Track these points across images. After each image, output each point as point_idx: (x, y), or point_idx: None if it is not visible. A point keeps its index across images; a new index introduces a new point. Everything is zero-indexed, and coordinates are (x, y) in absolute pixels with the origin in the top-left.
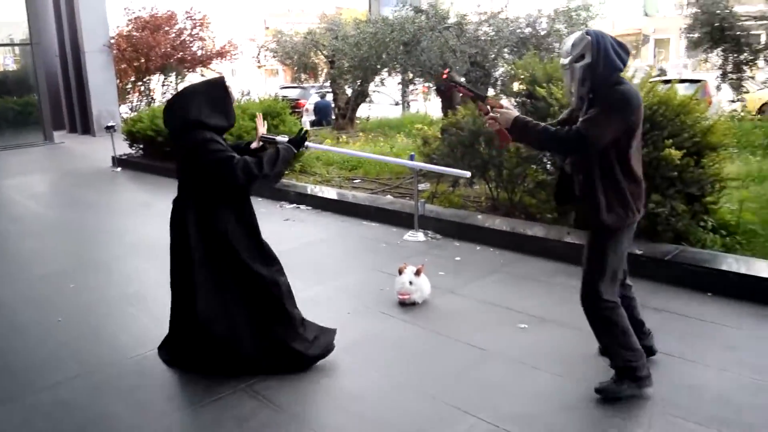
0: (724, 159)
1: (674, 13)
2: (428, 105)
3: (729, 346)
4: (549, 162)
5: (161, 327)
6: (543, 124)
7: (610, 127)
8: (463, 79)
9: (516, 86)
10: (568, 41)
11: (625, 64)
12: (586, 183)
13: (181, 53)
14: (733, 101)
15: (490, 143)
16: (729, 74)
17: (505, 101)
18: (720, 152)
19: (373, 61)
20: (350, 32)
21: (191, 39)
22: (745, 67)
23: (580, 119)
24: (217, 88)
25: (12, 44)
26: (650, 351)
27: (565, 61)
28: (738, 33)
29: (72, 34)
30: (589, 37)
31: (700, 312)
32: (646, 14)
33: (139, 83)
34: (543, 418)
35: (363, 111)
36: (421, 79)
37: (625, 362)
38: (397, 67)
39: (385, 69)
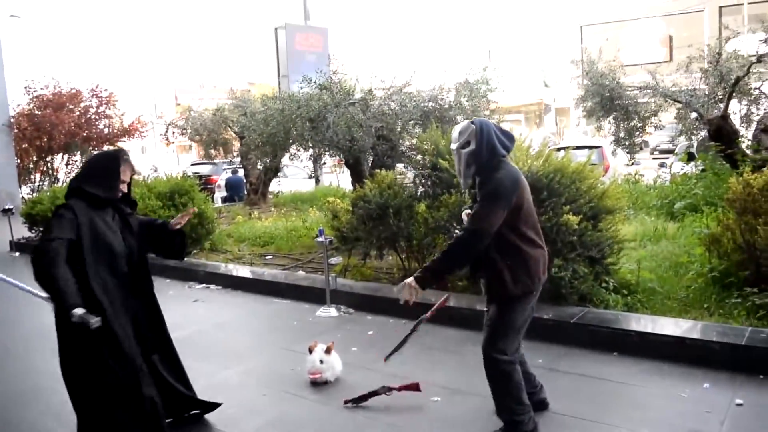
0: (621, 221)
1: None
2: (341, 178)
3: (636, 405)
4: (457, 231)
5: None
6: (436, 256)
7: (495, 215)
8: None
9: (420, 158)
10: (456, 128)
11: (508, 150)
12: (489, 261)
13: (86, 131)
14: (628, 164)
15: (398, 215)
16: (621, 140)
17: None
18: (616, 215)
19: (281, 137)
20: (258, 108)
21: (97, 117)
22: (636, 133)
23: (469, 215)
24: (108, 159)
25: None
26: (543, 404)
27: (453, 146)
28: (626, 102)
29: None
30: (474, 126)
31: (607, 372)
32: (546, 85)
33: (42, 163)
34: None
35: (289, 185)
36: (329, 153)
37: (514, 416)
38: (305, 143)
39: (294, 145)
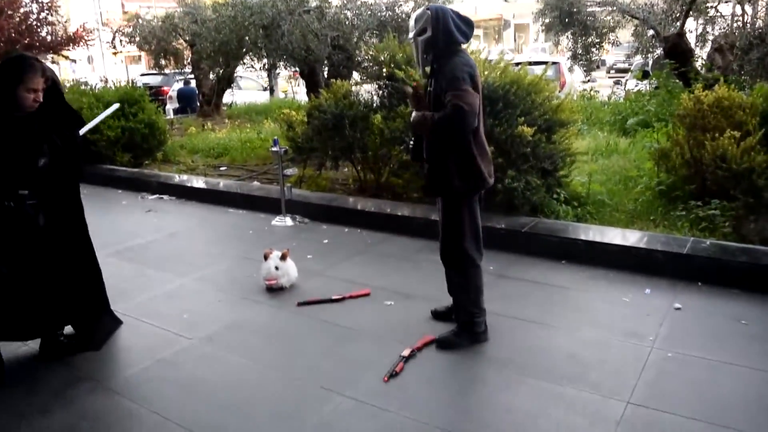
0: (574, 135)
1: None
2: (297, 89)
3: (580, 309)
4: (412, 142)
5: None
6: (432, 115)
7: (468, 93)
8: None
9: (376, 69)
10: (413, 16)
11: (467, 38)
12: (437, 152)
13: (27, 39)
14: (584, 81)
15: (353, 125)
16: (579, 56)
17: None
18: (570, 128)
19: (234, 45)
20: (210, 16)
21: (39, 23)
22: (593, 49)
23: (447, 97)
24: (2, 68)
25: None
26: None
27: (410, 35)
28: (584, 17)
29: None
30: (429, 12)
31: (554, 279)
32: (506, 0)
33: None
34: (408, 391)
35: (243, 97)
36: (283, 63)
37: (470, 317)
38: (259, 52)
39: (247, 54)
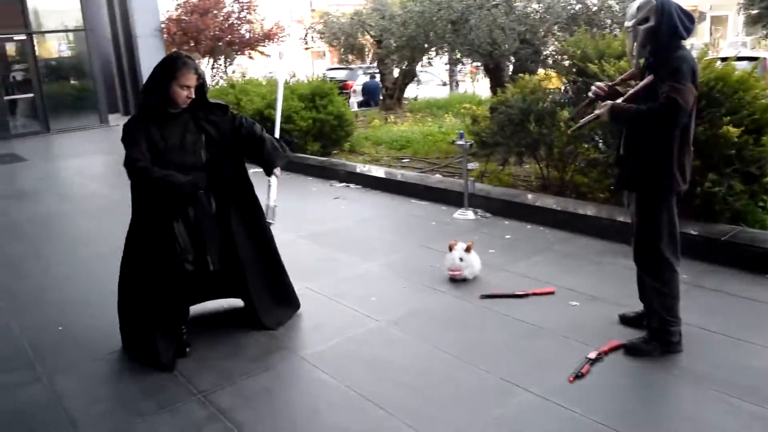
0: None
1: None
2: (476, 85)
3: None
4: (601, 140)
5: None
6: (634, 106)
7: (688, 91)
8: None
9: (566, 63)
10: (634, 4)
11: (689, 33)
12: (636, 145)
13: (229, 36)
14: None
15: (540, 121)
16: None
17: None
18: None
19: (420, 40)
20: (397, 12)
21: (239, 22)
22: None
23: (663, 88)
24: (160, 65)
25: (67, 30)
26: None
27: (629, 23)
28: None
29: (124, 20)
30: (654, 2)
31: (757, 294)
32: None
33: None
34: (594, 394)
35: (422, 92)
36: (469, 59)
37: (663, 325)
38: (445, 47)
39: (433, 48)
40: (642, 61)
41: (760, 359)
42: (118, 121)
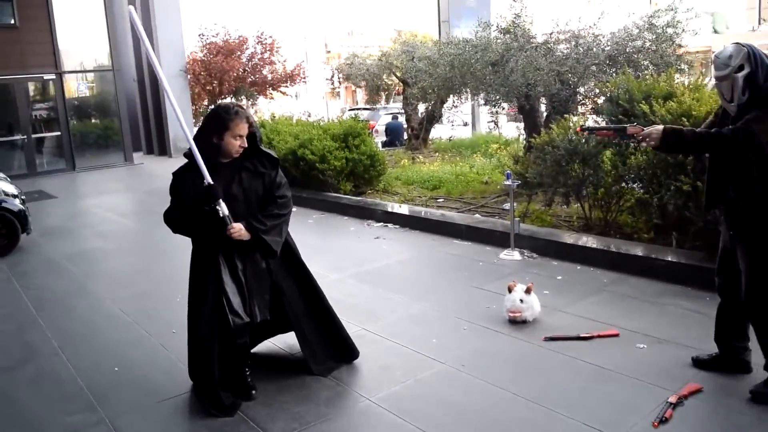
0: None
1: (745, 29)
2: (499, 125)
3: None
4: (642, 181)
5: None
6: (694, 129)
7: None
8: (594, 124)
9: (607, 105)
10: (725, 53)
11: None
12: (744, 185)
13: (252, 77)
14: None
15: (586, 162)
16: None
17: (591, 121)
18: None
19: (456, 81)
20: (427, 53)
21: (262, 63)
22: None
23: (744, 119)
24: (211, 116)
25: (96, 70)
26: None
27: (723, 72)
28: None
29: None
30: (746, 49)
31: None
32: (716, 31)
33: (212, 107)
34: None
35: (443, 132)
36: (503, 100)
37: None
38: (483, 87)
39: (467, 89)
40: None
41: None
42: (141, 160)
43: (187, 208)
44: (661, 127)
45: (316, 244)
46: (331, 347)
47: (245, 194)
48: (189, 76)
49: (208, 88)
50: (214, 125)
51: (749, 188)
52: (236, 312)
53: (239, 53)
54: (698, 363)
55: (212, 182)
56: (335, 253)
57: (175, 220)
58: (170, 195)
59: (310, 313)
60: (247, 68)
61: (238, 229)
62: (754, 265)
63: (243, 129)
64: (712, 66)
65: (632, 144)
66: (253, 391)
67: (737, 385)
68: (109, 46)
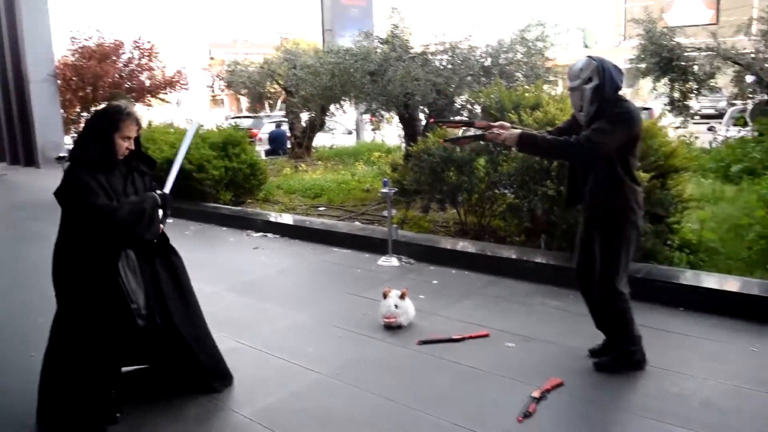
0: (685, 181)
1: (613, 44)
2: (383, 134)
3: (707, 357)
4: (518, 187)
5: None
6: (548, 136)
7: (614, 137)
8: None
9: (479, 113)
10: (576, 65)
11: (622, 84)
12: (594, 186)
13: (128, 83)
14: (678, 128)
15: (460, 169)
16: (676, 102)
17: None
18: (681, 174)
19: (337, 90)
20: (309, 62)
21: (139, 69)
22: (690, 95)
23: (590, 128)
24: (101, 116)
25: None
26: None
27: (574, 83)
28: (684, 63)
29: (15, 63)
30: (595, 62)
31: (675, 326)
32: (586, 46)
33: (86, 113)
34: (543, 430)
35: (325, 140)
36: (383, 108)
37: (626, 347)
38: (362, 97)
39: (347, 98)
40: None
41: (687, 388)
42: (4, 170)
43: (143, 206)
44: (517, 131)
45: (192, 256)
46: (213, 364)
47: (136, 194)
48: (59, 82)
49: (80, 94)
50: (105, 125)
51: (599, 187)
52: (141, 314)
53: (115, 58)
54: (594, 353)
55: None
56: (213, 265)
57: (127, 214)
58: (89, 201)
59: (192, 325)
60: (123, 74)
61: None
62: (606, 252)
63: (132, 131)
64: (567, 77)
65: (504, 151)
66: (118, 414)
67: (596, 377)
68: None
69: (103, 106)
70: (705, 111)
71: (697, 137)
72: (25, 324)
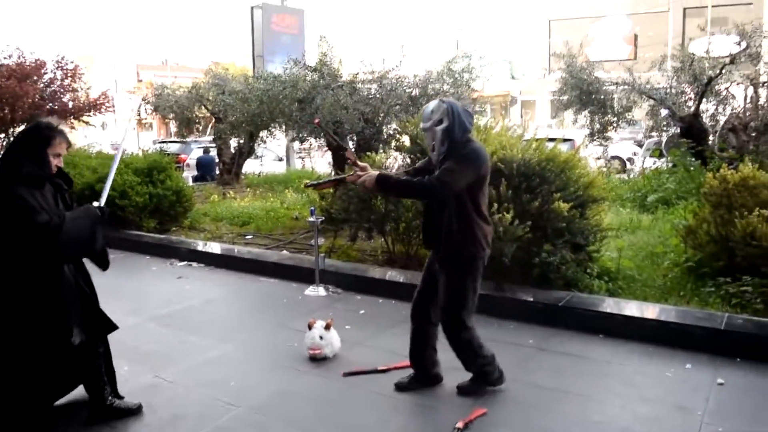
0: (603, 211)
1: (539, 77)
2: (314, 161)
3: (626, 383)
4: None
5: None
6: (404, 176)
7: (464, 176)
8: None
9: (407, 143)
10: (428, 107)
11: (471, 127)
12: (447, 223)
13: (50, 104)
14: (598, 158)
15: (387, 198)
16: (596, 134)
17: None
18: (600, 204)
19: (265, 117)
20: (238, 88)
21: (62, 90)
22: (609, 128)
23: (440, 169)
24: (40, 131)
25: None
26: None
27: (426, 124)
28: (602, 97)
29: None
30: (445, 105)
31: (594, 353)
32: (513, 77)
33: (2, 135)
34: None
35: (254, 167)
36: (313, 136)
37: (481, 368)
38: (290, 124)
39: (275, 125)
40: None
41: (607, 414)
42: None
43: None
44: (375, 174)
45: (113, 285)
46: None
47: (68, 210)
48: None
49: None
50: (38, 141)
51: (451, 225)
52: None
53: (36, 78)
54: (400, 387)
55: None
56: (134, 295)
57: (71, 230)
58: (29, 216)
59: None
60: (45, 94)
61: None
62: (454, 288)
63: (62, 149)
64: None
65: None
66: None
67: (519, 406)
68: None
69: (33, 123)
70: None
71: (616, 168)
72: None
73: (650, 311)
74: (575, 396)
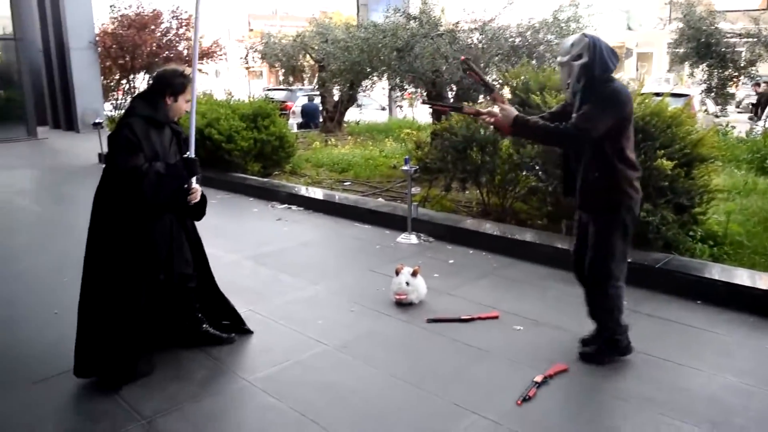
0: (713, 171)
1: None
2: (414, 111)
3: (720, 352)
4: (540, 170)
5: None
6: (541, 121)
7: (602, 121)
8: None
9: (507, 93)
10: (568, 41)
11: (615, 67)
12: (584, 172)
13: (166, 52)
14: (717, 116)
15: (483, 149)
16: (714, 89)
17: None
18: (709, 164)
19: (364, 65)
20: (340, 36)
21: (177, 38)
22: (729, 83)
23: (575, 114)
24: (174, 76)
25: None
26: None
27: (564, 58)
28: (723, 49)
29: (57, 31)
30: (587, 39)
31: (690, 319)
32: (630, 28)
33: (124, 81)
34: (541, 417)
35: (353, 115)
36: (411, 85)
37: (614, 335)
38: (389, 73)
39: (376, 74)
40: (577, 95)
41: (694, 382)
42: (46, 134)
43: (170, 174)
44: (513, 114)
45: (216, 224)
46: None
47: (179, 154)
48: (99, 49)
49: (119, 62)
50: (172, 87)
51: (590, 172)
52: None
53: (153, 27)
54: (585, 342)
55: (194, 156)
56: (235, 234)
57: (155, 186)
58: (122, 152)
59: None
60: (161, 43)
61: (198, 192)
62: (600, 237)
63: (190, 94)
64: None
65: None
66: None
67: (603, 366)
68: (11, 13)
69: (173, 67)
70: (750, 100)
71: (734, 126)
72: (51, 282)
73: (757, 280)
74: (664, 361)
